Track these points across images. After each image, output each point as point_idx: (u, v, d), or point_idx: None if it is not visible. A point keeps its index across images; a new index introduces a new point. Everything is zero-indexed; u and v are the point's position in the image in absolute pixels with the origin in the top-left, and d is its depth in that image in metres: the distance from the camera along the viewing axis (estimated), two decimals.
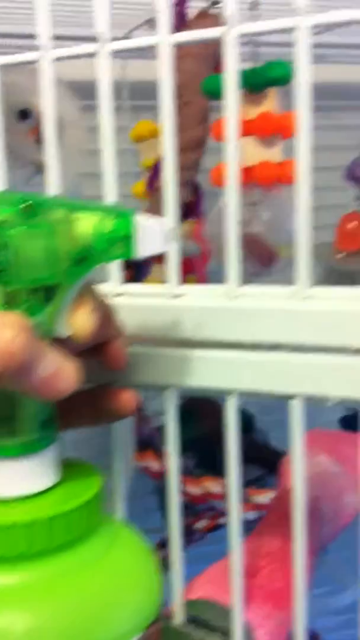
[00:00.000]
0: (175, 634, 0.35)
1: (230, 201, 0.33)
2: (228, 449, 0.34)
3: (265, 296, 0.33)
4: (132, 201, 0.69)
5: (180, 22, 0.60)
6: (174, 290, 0.34)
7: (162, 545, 0.68)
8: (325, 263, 0.42)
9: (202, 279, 0.64)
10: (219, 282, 0.33)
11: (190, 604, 0.37)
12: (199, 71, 0.58)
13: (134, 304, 0.35)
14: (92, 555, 0.26)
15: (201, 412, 0.66)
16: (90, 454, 0.37)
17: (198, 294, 0.34)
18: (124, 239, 0.26)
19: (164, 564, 0.74)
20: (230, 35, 0.31)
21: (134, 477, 0.65)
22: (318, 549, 0.48)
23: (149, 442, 0.59)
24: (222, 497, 0.58)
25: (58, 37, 0.33)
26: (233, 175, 0.32)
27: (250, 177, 0.53)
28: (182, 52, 0.57)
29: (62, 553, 0.25)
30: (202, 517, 0.61)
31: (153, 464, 0.58)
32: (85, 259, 0.25)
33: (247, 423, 0.76)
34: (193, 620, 0.36)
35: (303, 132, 0.30)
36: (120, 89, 0.71)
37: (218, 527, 0.62)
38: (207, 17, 0.58)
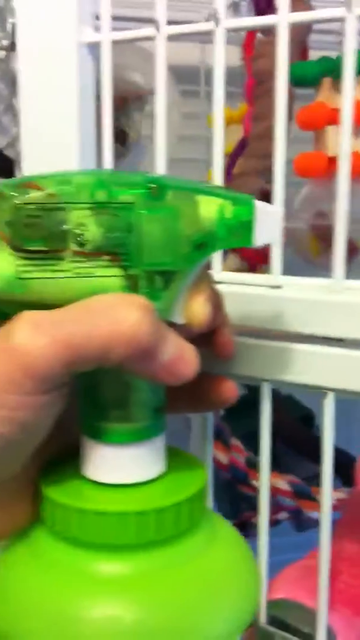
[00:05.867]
0: (261, 634, 0.34)
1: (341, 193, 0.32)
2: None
3: None
4: None
5: (268, 6, 0.59)
6: (275, 280, 0.33)
7: None
8: None
9: None
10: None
11: (272, 604, 0.36)
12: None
13: (233, 292, 0.34)
14: (196, 549, 0.25)
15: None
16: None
17: (300, 286, 0.33)
18: (244, 225, 0.25)
19: None
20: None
21: None
22: None
23: (217, 434, 0.57)
24: (289, 493, 0.57)
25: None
26: (345, 164, 0.31)
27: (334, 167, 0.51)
28: (270, 37, 0.56)
29: (169, 545, 0.24)
30: None
31: (221, 456, 0.57)
32: (205, 244, 0.24)
33: (308, 419, 0.75)
34: (274, 620, 0.35)
35: None
36: (197, 74, 0.70)
37: (277, 523, 0.60)
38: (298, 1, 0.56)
